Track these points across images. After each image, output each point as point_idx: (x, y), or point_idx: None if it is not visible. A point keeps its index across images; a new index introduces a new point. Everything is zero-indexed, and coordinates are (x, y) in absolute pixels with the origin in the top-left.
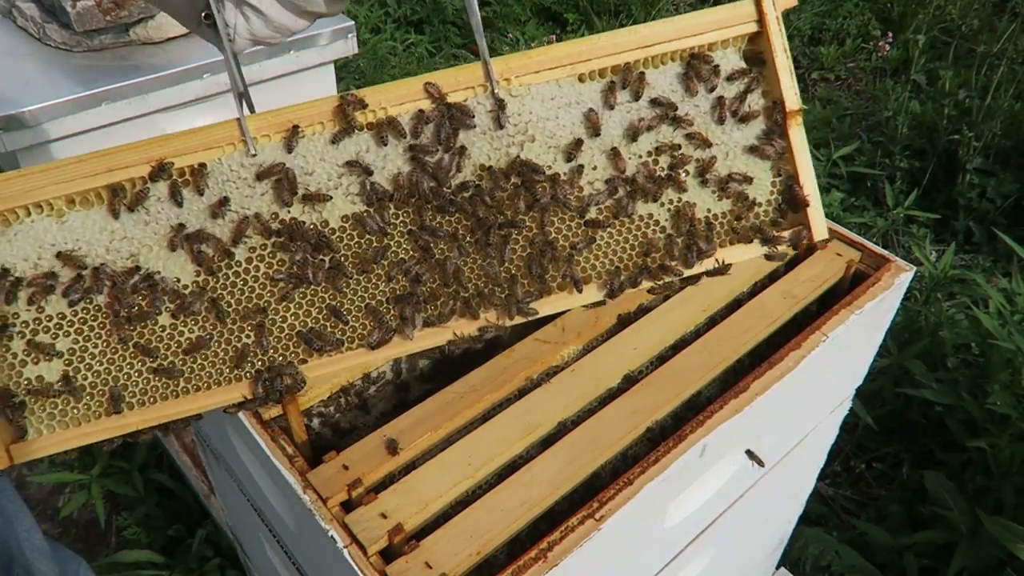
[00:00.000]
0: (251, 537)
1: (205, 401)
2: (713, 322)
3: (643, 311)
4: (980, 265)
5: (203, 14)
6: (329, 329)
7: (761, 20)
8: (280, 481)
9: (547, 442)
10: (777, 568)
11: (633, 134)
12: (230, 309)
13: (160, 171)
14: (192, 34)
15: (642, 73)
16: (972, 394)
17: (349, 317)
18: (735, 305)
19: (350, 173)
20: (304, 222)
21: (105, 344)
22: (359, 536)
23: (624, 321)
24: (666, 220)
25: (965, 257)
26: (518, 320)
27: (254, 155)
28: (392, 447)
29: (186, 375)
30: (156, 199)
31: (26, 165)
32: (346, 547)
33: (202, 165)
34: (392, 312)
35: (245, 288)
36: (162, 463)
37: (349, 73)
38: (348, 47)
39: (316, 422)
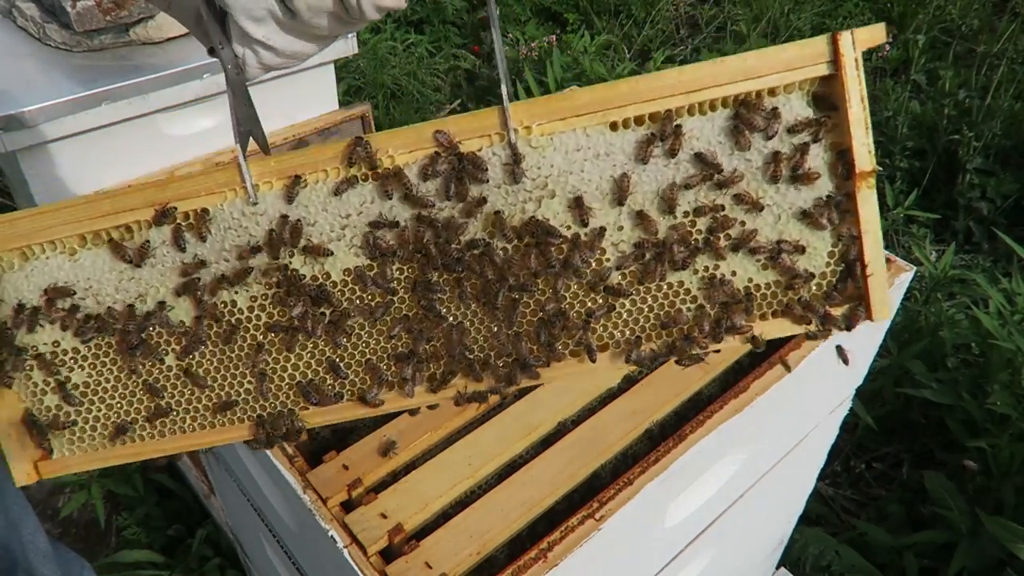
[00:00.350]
0: (251, 537)
1: (209, 438)
2: None
3: None
4: (980, 265)
5: (209, 48)
6: (328, 383)
7: (836, 62)
8: (280, 481)
9: (547, 442)
10: (777, 568)
11: (669, 204)
12: (232, 355)
13: (163, 216)
14: (192, 34)
15: (679, 126)
16: (972, 394)
17: (348, 372)
18: None
19: (354, 225)
20: (304, 275)
21: (116, 379)
22: (359, 536)
23: None
24: (698, 289)
25: (965, 257)
26: (524, 384)
27: (255, 203)
28: (386, 451)
29: (192, 415)
30: (162, 242)
31: (26, 165)
32: (346, 547)
33: (204, 210)
34: (392, 369)
35: (247, 335)
36: (162, 463)
37: (349, 73)
38: (348, 47)
39: None
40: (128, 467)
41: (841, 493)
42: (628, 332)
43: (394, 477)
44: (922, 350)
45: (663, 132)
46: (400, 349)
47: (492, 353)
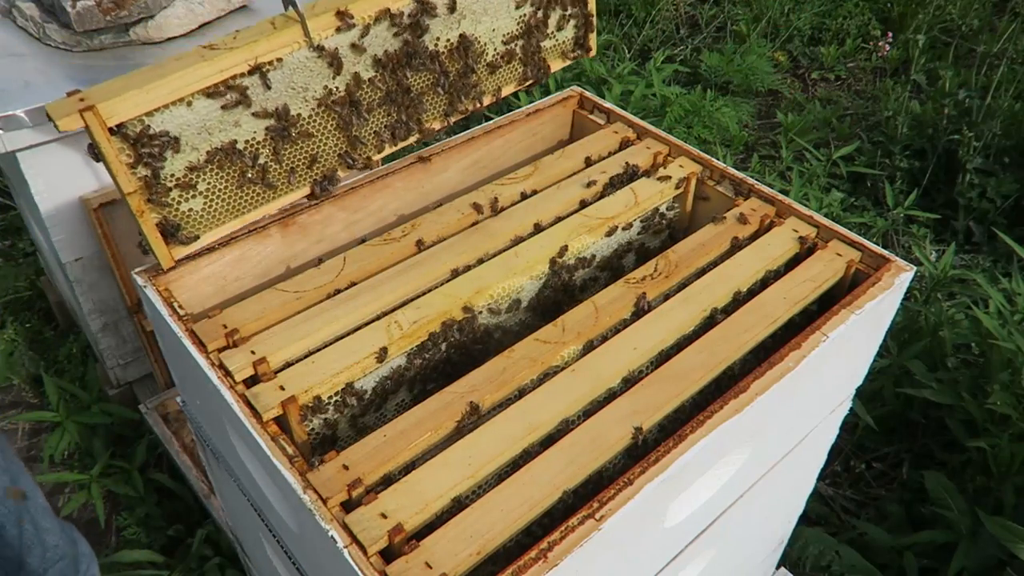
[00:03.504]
0: (251, 537)
1: (288, 198)
2: (713, 322)
3: (643, 311)
4: (980, 265)
5: None
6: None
7: None
8: (280, 481)
9: (547, 442)
10: (777, 568)
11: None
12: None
13: (255, 69)
14: (192, 34)
15: None
16: (972, 394)
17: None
18: (735, 305)
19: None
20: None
21: (228, 181)
22: (359, 536)
23: (624, 321)
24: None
25: (965, 257)
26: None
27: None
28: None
29: (279, 188)
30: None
31: (26, 165)
32: (346, 547)
33: (279, 60)
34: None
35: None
36: (162, 463)
37: None
38: None
39: (316, 422)
40: (128, 467)
41: (841, 493)
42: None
43: (394, 477)
44: (922, 350)
45: None
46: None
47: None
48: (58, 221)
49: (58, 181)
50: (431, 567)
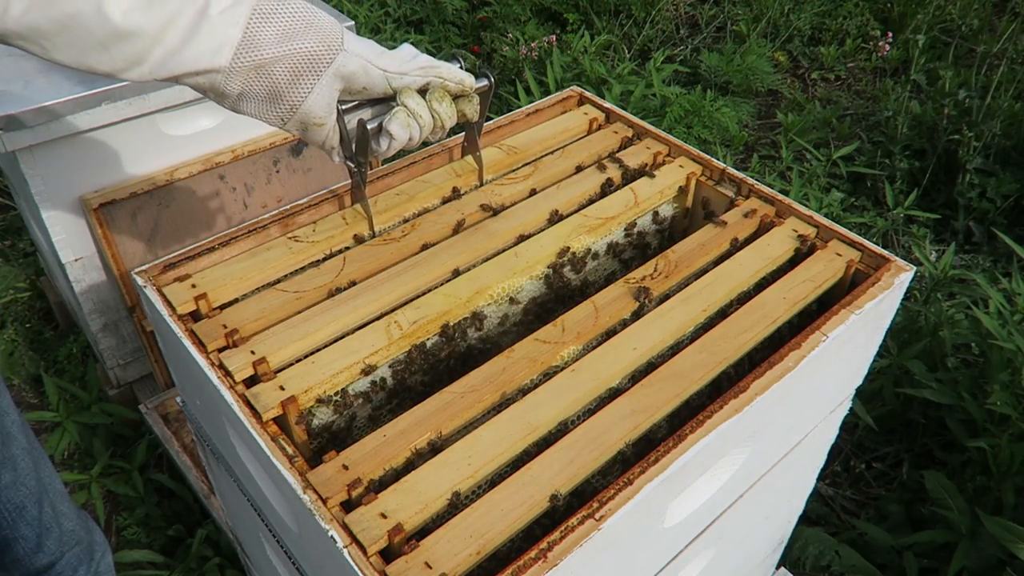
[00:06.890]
0: (251, 537)
1: None
2: (713, 322)
3: (643, 311)
4: (980, 265)
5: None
6: None
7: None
8: (280, 481)
9: (547, 442)
10: (777, 568)
11: None
12: None
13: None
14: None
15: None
16: (972, 394)
17: None
18: (735, 305)
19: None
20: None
21: None
22: (359, 536)
23: (624, 321)
24: None
25: (965, 257)
26: None
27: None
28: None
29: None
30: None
31: (26, 165)
32: (346, 547)
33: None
34: None
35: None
36: (162, 463)
37: None
38: None
39: (316, 422)
40: (128, 467)
41: (841, 493)
42: None
43: (394, 477)
44: (922, 350)
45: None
46: None
47: None
48: (58, 221)
49: (58, 181)
50: (431, 567)
